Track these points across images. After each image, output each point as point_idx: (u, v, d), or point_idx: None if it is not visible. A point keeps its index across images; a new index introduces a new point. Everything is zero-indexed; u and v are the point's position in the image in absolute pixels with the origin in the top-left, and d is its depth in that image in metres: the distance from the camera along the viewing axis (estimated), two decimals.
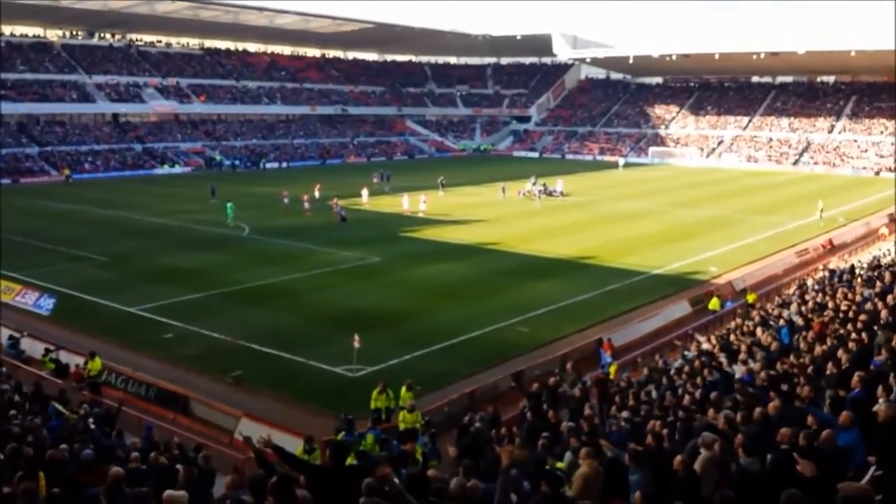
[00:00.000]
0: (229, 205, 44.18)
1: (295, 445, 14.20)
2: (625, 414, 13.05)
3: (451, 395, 18.89)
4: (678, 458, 8.33)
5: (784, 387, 11.82)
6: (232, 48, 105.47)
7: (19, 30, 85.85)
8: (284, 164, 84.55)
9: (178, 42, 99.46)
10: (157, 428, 16.28)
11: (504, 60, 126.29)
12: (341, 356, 20.95)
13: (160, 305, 26.62)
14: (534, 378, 18.74)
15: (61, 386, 18.50)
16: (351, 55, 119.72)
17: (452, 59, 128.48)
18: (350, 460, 12.05)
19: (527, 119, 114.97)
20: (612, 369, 19.75)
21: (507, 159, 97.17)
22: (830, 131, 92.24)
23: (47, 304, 26.68)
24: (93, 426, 14.90)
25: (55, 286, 28.63)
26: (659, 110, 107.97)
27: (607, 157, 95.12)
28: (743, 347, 16.57)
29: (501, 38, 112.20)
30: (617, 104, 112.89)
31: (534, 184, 58.19)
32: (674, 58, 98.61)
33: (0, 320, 24.15)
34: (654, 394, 14.96)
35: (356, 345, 19.91)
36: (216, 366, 21.17)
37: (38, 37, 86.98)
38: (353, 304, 27.14)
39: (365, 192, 52.94)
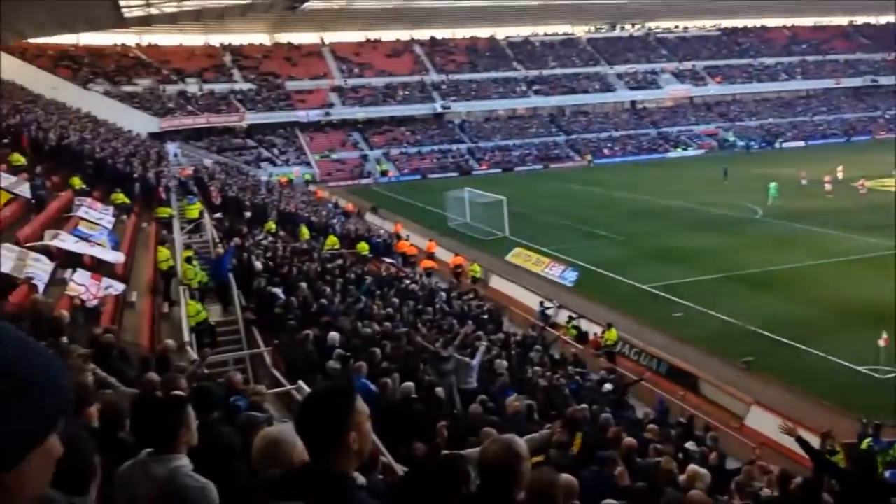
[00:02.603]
0: (773, 185, 42.72)
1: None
2: None
3: None
4: None
5: None
6: (749, 25, 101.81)
7: (551, 29, 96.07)
8: (803, 143, 79.11)
9: (695, 25, 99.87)
10: (668, 403, 17.09)
11: None
12: (864, 354, 18.93)
13: (669, 284, 27.39)
14: None
15: (575, 352, 20.66)
16: (883, 20, 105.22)
17: None
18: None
19: None
20: None
21: None
22: None
23: (570, 276, 29.72)
24: (608, 392, 16.41)
25: (577, 260, 31.59)
26: None
27: None
28: None
29: None
30: None
31: None
32: None
33: (533, 289, 27.85)
34: None
35: (882, 344, 17.85)
36: (724, 349, 21.02)
37: (567, 34, 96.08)
38: (880, 299, 24.11)
39: None
